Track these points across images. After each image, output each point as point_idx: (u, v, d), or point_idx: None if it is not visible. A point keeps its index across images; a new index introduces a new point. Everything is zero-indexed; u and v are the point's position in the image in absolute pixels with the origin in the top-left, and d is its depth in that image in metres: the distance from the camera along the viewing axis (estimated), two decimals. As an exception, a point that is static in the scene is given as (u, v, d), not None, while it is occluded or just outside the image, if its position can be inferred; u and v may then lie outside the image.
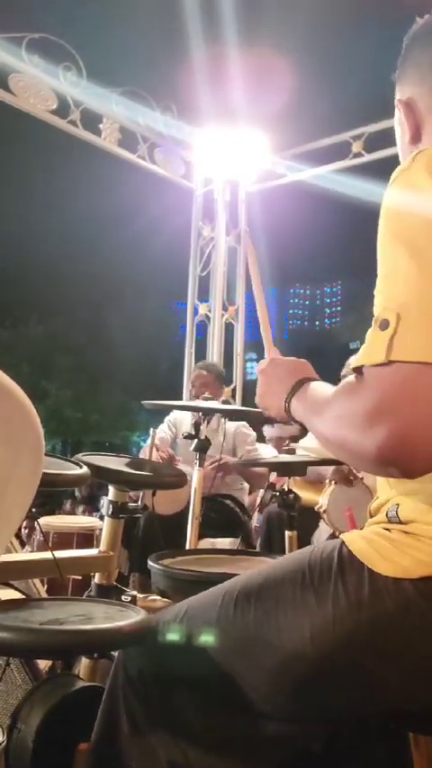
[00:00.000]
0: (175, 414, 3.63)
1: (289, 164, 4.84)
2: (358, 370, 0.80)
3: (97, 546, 1.65)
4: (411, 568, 0.81)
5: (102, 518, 2.28)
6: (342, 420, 0.82)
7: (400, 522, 0.87)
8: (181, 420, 3.55)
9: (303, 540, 2.55)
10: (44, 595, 2.04)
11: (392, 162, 1.04)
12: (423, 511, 0.85)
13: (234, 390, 4.95)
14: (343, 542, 0.88)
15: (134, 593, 1.62)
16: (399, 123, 1.04)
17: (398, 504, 0.89)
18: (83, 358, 28.20)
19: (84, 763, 0.99)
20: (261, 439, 3.96)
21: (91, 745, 0.96)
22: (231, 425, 3.47)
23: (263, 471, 3.39)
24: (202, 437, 2.37)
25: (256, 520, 3.67)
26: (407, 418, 0.74)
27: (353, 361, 0.84)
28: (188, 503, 2.46)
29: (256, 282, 1.31)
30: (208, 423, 2.46)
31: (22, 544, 3.19)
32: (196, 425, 2.38)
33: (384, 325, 0.78)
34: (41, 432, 0.68)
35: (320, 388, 0.96)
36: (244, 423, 3.51)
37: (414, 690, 0.82)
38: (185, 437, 2.50)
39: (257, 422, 3.57)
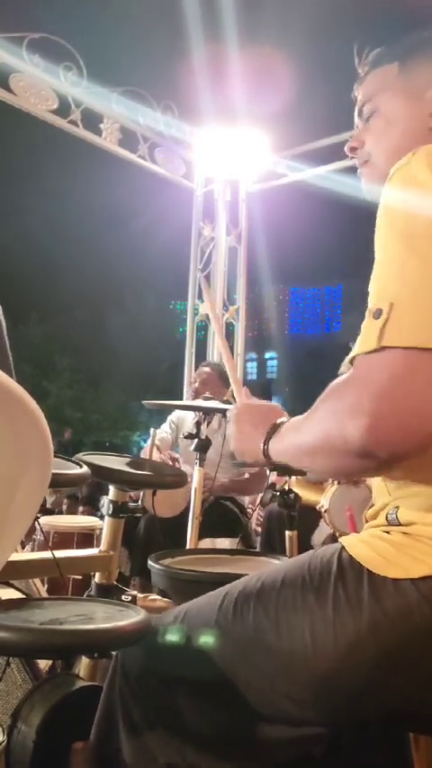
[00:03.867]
0: (177, 413, 3.62)
1: (289, 163, 4.84)
2: (353, 361, 0.81)
3: (97, 546, 1.65)
4: (412, 569, 0.80)
5: (102, 518, 2.28)
6: (331, 417, 0.81)
7: (400, 525, 0.87)
8: (183, 419, 3.55)
9: (303, 540, 2.55)
10: (44, 595, 2.04)
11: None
12: (423, 513, 0.85)
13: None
14: (343, 547, 0.87)
15: (134, 592, 1.62)
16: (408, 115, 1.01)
17: (397, 507, 0.89)
18: (83, 358, 28.24)
19: (81, 762, 0.99)
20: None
21: (88, 745, 0.96)
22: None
23: (260, 473, 3.36)
24: (203, 437, 2.37)
25: (256, 519, 3.66)
26: (394, 402, 0.75)
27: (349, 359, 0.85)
28: (188, 505, 2.46)
29: (218, 332, 1.35)
30: (209, 423, 2.46)
31: (22, 544, 3.19)
32: (197, 425, 2.38)
33: (378, 314, 0.79)
34: (50, 441, 0.67)
35: (295, 418, 0.96)
36: None
37: (415, 691, 0.81)
38: (186, 437, 2.49)
39: None
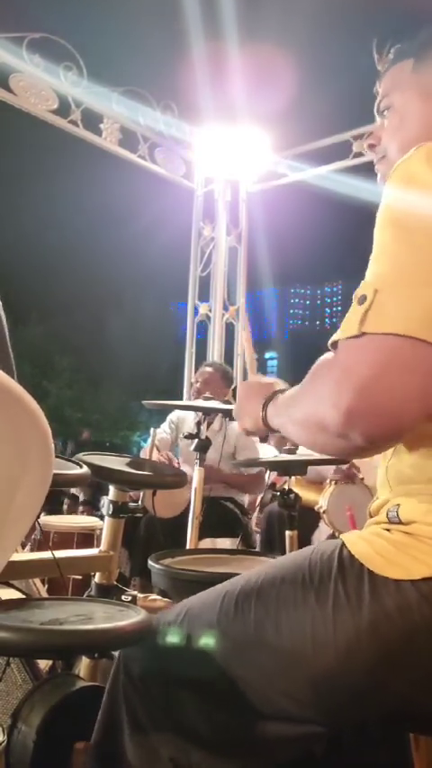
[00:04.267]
0: (177, 413, 3.61)
1: (290, 163, 4.83)
2: (335, 346, 0.83)
3: (97, 546, 1.65)
4: (412, 569, 0.80)
5: (102, 518, 2.28)
6: (314, 397, 0.85)
7: (401, 523, 0.87)
8: (183, 420, 3.54)
9: (303, 540, 2.55)
10: (44, 595, 2.04)
11: (393, 161, 1.03)
12: (424, 511, 0.85)
13: (234, 390, 4.94)
14: (343, 544, 0.87)
15: (134, 592, 1.62)
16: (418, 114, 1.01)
17: (398, 505, 0.88)
18: (83, 358, 28.25)
19: (84, 762, 0.99)
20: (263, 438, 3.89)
21: (92, 744, 0.96)
22: (235, 427, 3.42)
23: (259, 474, 3.35)
24: (203, 437, 2.37)
25: (255, 519, 3.67)
26: (372, 385, 0.77)
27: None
28: (188, 505, 2.46)
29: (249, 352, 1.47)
30: (209, 423, 2.45)
31: (22, 544, 3.19)
32: (197, 425, 2.38)
33: (362, 300, 0.80)
34: (51, 441, 0.67)
35: (293, 389, 1.01)
36: None
37: (414, 691, 0.81)
38: (186, 437, 2.49)
39: None
